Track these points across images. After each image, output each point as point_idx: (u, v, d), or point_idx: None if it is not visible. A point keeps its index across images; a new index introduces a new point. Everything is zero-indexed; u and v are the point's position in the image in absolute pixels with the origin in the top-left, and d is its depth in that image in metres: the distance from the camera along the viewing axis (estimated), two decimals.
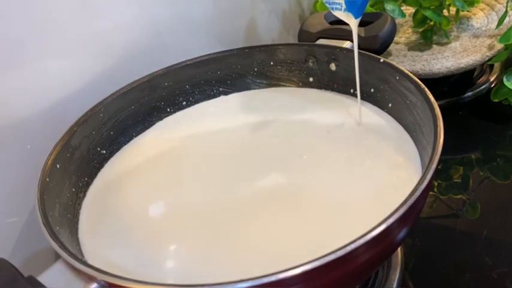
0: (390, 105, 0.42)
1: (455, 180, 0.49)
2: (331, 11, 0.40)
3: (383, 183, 0.37)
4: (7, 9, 0.36)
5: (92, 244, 0.35)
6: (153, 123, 0.47)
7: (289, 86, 0.50)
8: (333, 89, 0.47)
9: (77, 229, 0.36)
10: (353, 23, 0.40)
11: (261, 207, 0.37)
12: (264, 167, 0.40)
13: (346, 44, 0.48)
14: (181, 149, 0.44)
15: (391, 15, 0.52)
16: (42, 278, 0.28)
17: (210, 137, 0.45)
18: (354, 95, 0.46)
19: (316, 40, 0.50)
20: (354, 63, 0.44)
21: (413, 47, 0.60)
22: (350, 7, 0.38)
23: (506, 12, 0.57)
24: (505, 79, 0.52)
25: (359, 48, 0.41)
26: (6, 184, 0.39)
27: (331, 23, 0.51)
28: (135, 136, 0.46)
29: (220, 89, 0.50)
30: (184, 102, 0.49)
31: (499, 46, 0.56)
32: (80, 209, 0.38)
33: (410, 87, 0.38)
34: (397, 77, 0.40)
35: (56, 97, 0.41)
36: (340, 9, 0.39)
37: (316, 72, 0.47)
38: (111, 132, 0.44)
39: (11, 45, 0.37)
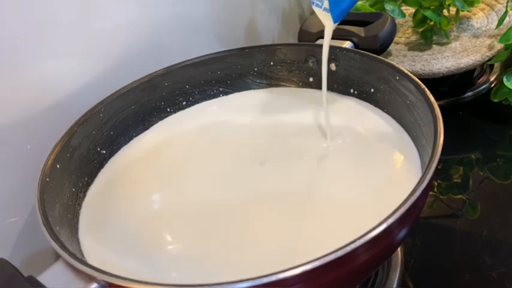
0: (390, 105, 0.42)
1: (455, 180, 0.49)
2: (312, 4, 0.37)
3: (383, 183, 0.37)
4: (7, 9, 0.36)
5: (92, 244, 0.35)
6: (153, 123, 0.47)
7: (289, 86, 0.50)
8: (333, 89, 0.47)
9: (77, 229, 0.36)
10: (329, 26, 0.37)
11: (261, 206, 0.37)
12: (264, 167, 0.40)
13: (346, 44, 0.48)
14: (182, 149, 0.44)
15: (391, 15, 0.52)
16: (42, 278, 0.28)
17: (210, 137, 0.45)
18: (354, 95, 0.46)
19: (316, 40, 0.50)
20: (354, 63, 0.44)
21: (413, 47, 0.60)
22: (333, 7, 0.35)
23: (506, 12, 0.57)
24: (505, 79, 0.52)
25: (358, 48, 0.41)
26: (6, 184, 0.38)
27: None
28: (135, 136, 0.46)
29: (220, 89, 0.50)
30: (184, 102, 0.49)
31: (499, 46, 0.55)
32: (80, 209, 0.38)
33: (410, 87, 0.38)
34: (397, 77, 0.40)
35: (56, 97, 0.41)
36: (320, 7, 0.36)
37: (316, 72, 0.47)
38: (111, 132, 0.44)
39: (11, 45, 0.37)
